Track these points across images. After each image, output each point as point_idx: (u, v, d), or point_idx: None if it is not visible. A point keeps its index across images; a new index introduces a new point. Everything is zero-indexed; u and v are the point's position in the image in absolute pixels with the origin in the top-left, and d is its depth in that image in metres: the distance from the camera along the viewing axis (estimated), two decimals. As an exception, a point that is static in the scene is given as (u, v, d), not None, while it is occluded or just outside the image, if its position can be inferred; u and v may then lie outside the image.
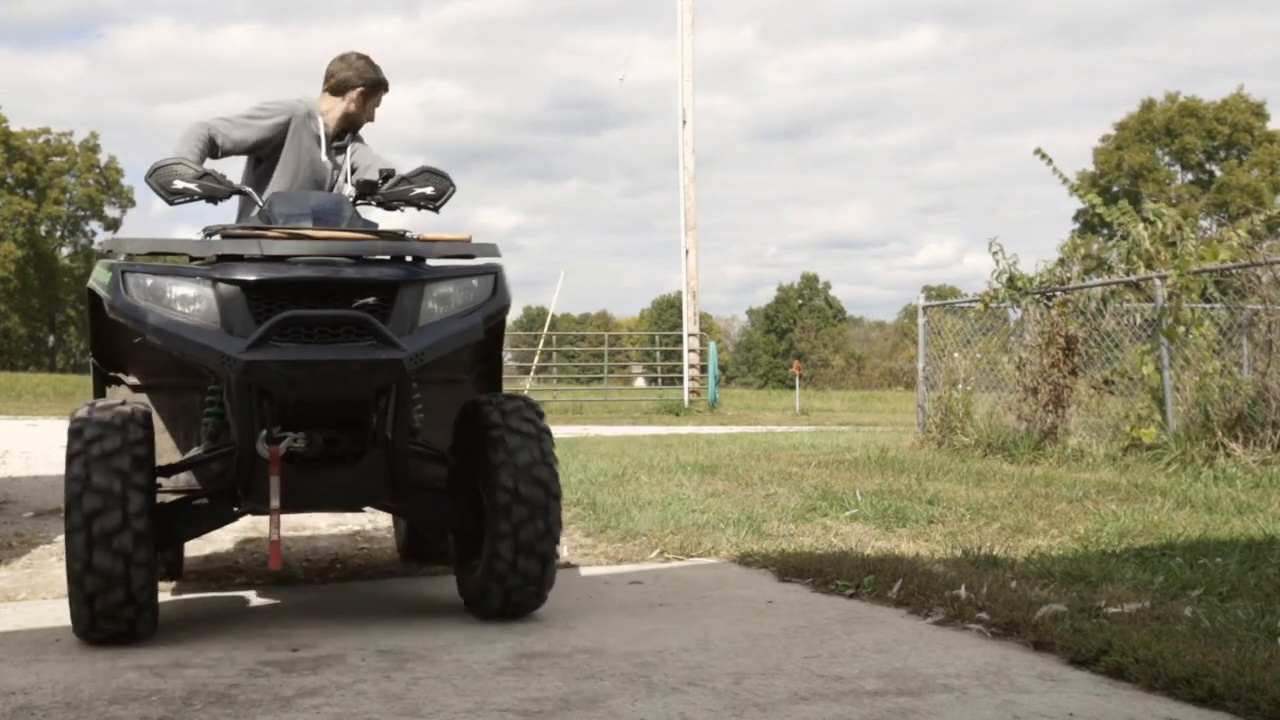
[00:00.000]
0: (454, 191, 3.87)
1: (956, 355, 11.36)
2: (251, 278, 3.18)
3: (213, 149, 4.05)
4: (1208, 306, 9.05)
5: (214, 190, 3.63)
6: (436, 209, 3.88)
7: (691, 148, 23.55)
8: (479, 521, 3.61)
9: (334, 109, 4.35)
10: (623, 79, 48.65)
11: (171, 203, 3.54)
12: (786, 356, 70.73)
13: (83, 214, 66.62)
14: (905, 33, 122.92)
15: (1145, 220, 9.76)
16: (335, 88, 4.36)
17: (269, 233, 3.37)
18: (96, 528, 3.07)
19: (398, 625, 3.63)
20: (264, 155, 4.24)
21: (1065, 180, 11.23)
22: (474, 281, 3.44)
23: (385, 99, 4.49)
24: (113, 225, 68.24)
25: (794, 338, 77.26)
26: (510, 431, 3.48)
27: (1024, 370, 9.91)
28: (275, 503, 3.24)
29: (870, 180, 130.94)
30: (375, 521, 6.15)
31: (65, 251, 67.50)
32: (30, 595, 4.18)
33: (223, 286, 3.18)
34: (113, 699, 2.75)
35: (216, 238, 3.43)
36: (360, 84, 4.35)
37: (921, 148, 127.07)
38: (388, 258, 3.38)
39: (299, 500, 3.39)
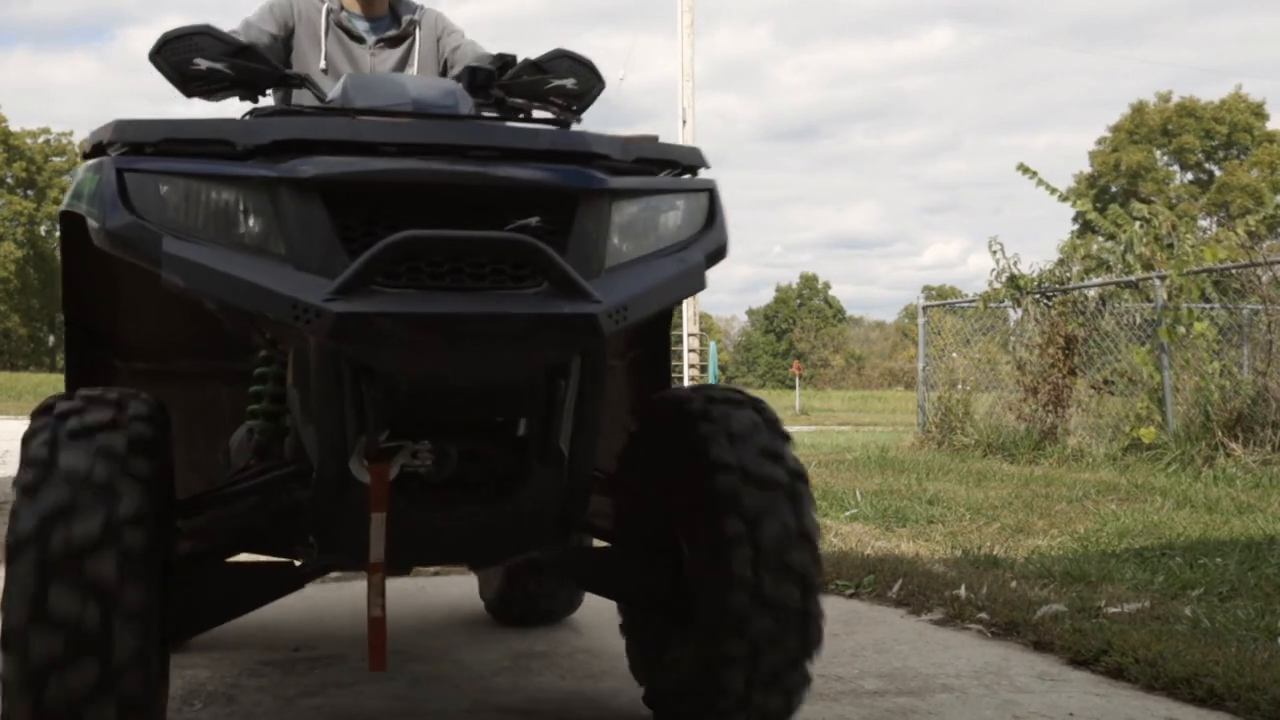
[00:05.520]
0: (602, 90, 2.63)
1: (956, 355, 11.38)
2: (341, 173, 1.93)
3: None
4: (1207, 306, 9.06)
5: (252, 74, 2.42)
6: (578, 113, 2.64)
7: (691, 148, 23.50)
8: (677, 587, 2.38)
9: None
10: (623, 78, 48.62)
11: (188, 91, 2.42)
12: (786, 356, 70.74)
13: (82, 214, 66.61)
14: (921, 33, 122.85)
15: (1142, 220, 9.77)
16: None
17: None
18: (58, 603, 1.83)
19: (398, 626, 3.63)
20: None
21: (1053, 191, 11.22)
22: (679, 201, 2.24)
23: None
24: (112, 225, 68.16)
25: (794, 338, 77.28)
26: (746, 480, 2.19)
27: (1024, 370, 9.92)
28: (378, 554, 2.05)
29: (878, 180, 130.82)
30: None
31: (65, 251, 67.45)
32: (30, 595, 4.18)
33: (289, 191, 1.92)
34: (113, 699, 2.75)
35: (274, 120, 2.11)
36: None
37: (929, 147, 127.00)
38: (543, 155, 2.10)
39: (416, 550, 2.28)
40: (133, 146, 2.02)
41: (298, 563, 2.40)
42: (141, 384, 2.59)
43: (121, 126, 2.04)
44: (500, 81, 2.62)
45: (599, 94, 2.64)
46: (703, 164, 2.32)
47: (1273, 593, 3.77)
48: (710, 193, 2.29)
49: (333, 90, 2.39)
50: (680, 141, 23.35)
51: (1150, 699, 2.77)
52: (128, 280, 2.38)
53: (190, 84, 2.40)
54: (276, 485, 2.30)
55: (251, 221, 1.97)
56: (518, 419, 2.12)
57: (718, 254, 2.27)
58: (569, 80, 2.61)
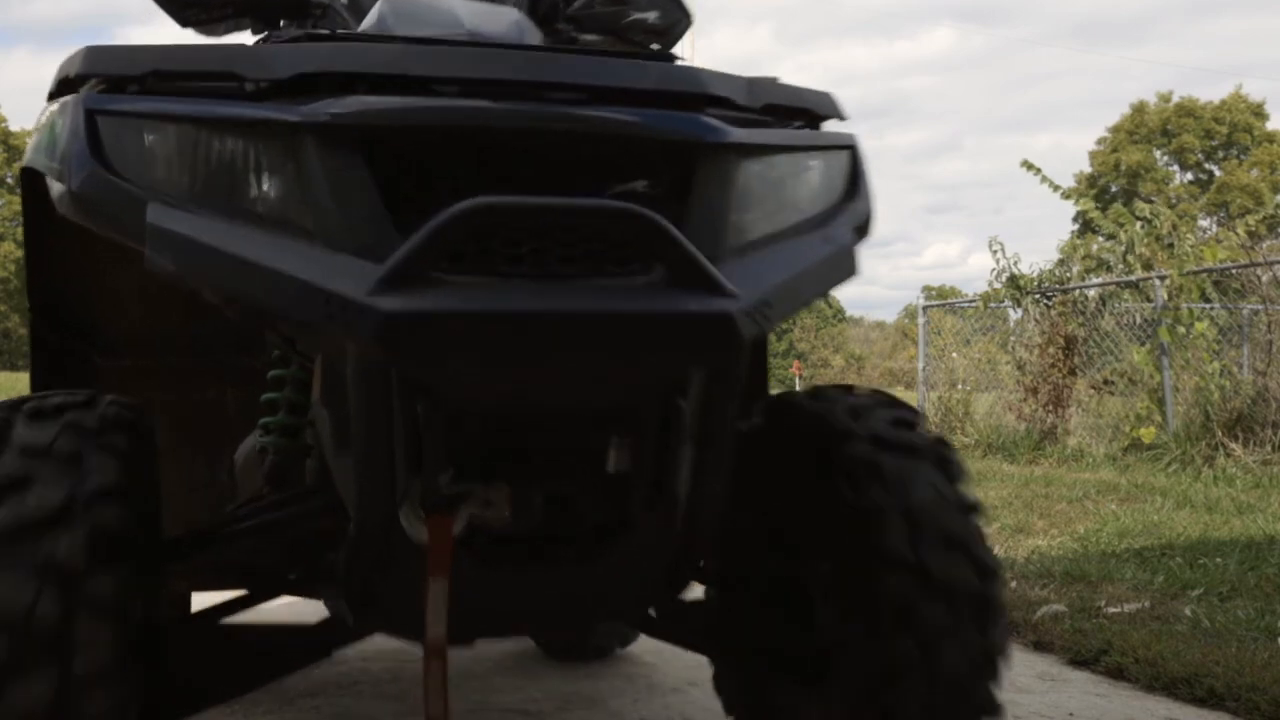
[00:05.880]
0: (688, 27, 2.20)
1: (956, 355, 11.40)
2: (388, 113, 1.40)
3: None
4: (1207, 306, 9.07)
5: None
6: (664, 51, 2.12)
7: (691, 148, 23.51)
8: (802, 634, 1.83)
9: None
10: None
11: (184, 19, 1.99)
12: (786, 356, 70.76)
13: (82, 214, 66.60)
14: (922, 33, 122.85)
15: (1143, 220, 9.79)
16: None
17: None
18: None
19: (398, 625, 3.63)
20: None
21: (1057, 188, 11.19)
22: (815, 161, 1.71)
23: None
24: (112, 225, 68.22)
25: (794, 338, 77.35)
26: (881, 445, 1.76)
27: (1024, 370, 9.93)
28: (438, 632, 1.56)
29: (878, 180, 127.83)
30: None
31: (65, 252, 67.45)
32: (30, 595, 4.18)
33: (317, 142, 1.39)
34: (113, 699, 2.75)
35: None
36: None
37: (930, 147, 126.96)
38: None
39: (484, 621, 1.80)
40: (110, 82, 1.48)
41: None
42: (125, 384, 2.18)
43: (95, 55, 1.48)
44: (568, 13, 2.16)
45: (685, 32, 2.19)
46: (838, 114, 1.77)
47: (1273, 593, 3.77)
48: (852, 151, 1.76)
49: (366, 19, 1.80)
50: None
51: (1150, 699, 2.78)
52: (108, 254, 1.84)
53: (187, 10, 1.95)
54: (295, 523, 1.79)
55: (267, 182, 1.45)
56: (617, 452, 1.59)
57: (863, 230, 1.73)
58: (651, 13, 2.15)
